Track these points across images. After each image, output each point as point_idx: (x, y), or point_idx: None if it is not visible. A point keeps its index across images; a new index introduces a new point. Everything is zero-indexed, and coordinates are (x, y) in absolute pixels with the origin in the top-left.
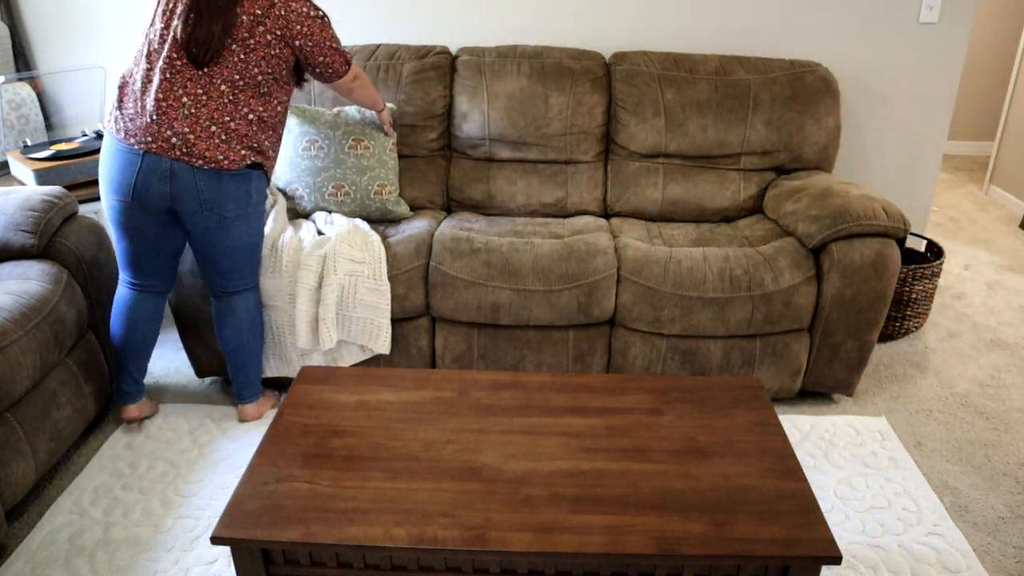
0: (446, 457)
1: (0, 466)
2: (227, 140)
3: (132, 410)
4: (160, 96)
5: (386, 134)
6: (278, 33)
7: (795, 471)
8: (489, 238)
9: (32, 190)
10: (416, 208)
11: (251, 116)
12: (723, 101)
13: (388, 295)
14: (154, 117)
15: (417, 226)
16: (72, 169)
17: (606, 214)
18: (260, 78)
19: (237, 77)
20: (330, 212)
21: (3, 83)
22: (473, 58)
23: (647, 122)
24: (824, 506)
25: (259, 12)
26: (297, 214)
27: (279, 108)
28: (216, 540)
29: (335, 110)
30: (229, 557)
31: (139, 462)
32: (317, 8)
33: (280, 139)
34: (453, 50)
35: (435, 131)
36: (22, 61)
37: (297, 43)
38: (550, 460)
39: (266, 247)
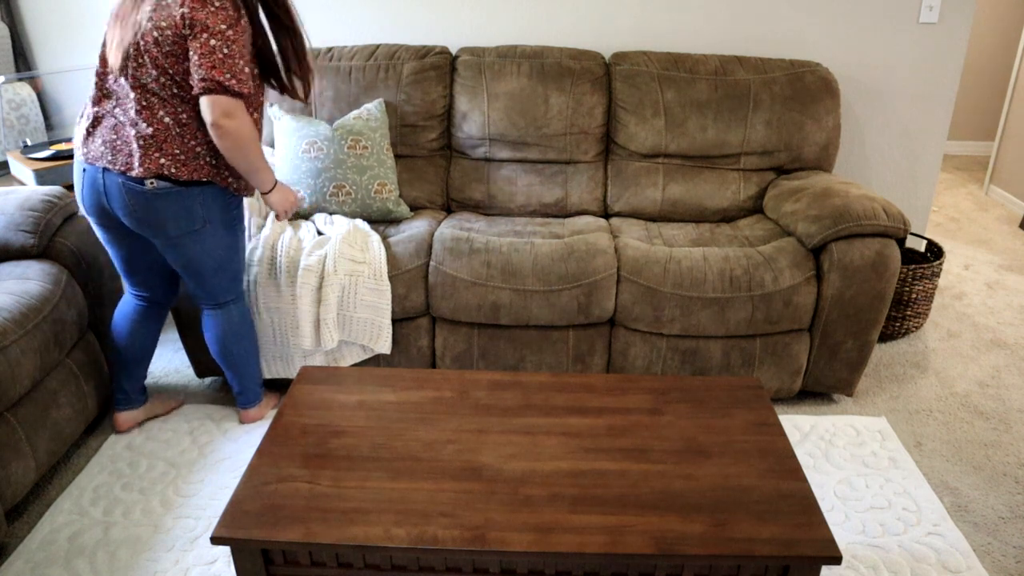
0: (446, 457)
1: (0, 466)
2: (144, 147)
3: (120, 417)
4: (96, 108)
5: (277, 217)
6: (163, 25)
7: (795, 471)
8: (489, 238)
9: (32, 190)
10: (416, 208)
11: (168, 120)
12: (723, 101)
13: (389, 295)
14: (90, 129)
15: (417, 226)
16: (72, 169)
17: (606, 214)
18: (163, 79)
19: (147, 80)
20: (330, 214)
21: (3, 83)
22: (473, 58)
23: (647, 122)
24: (824, 506)
25: (152, 8)
26: (297, 215)
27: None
28: (216, 540)
29: (334, 126)
30: (229, 557)
31: (139, 462)
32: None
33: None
34: (453, 50)
35: (435, 131)
36: (22, 61)
37: (182, 28)
38: (550, 460)
39: (266, 248)
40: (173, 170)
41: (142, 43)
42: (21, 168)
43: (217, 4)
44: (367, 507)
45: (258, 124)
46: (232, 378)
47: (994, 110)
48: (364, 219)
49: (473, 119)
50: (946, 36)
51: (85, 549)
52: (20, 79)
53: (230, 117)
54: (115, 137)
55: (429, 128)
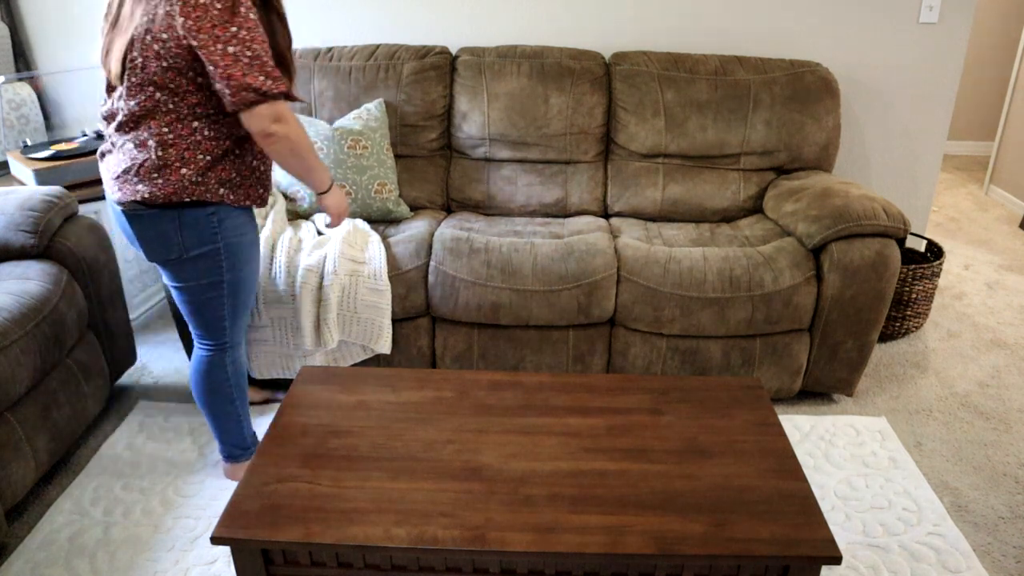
0: (446, 457)
1: (0, 466)
2: (127, 172)
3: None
4: (106, 126)
5: (328, 225)
6: (164, 37)
7: (795, 471)
8: (489, 238)
9: (32, 190)
10: (416, 208)
11: (151, 143)
12: (723, 101)
13: (389, 295)
14: (104, 152)
15: (417, 226)
16: (72, 169)
17: (606, 214)
18: (158, 95)
19: (131, 99)
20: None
21: (3, 83)
22: (473, 58)
23: (647, 122)
24: (824, 506)
25: (147, 18)
26: (297, 215)
27: (202, 129)
28: (216, 540)
29: (334, 126)
30: (229, 557)
31: (139, 462)
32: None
33: (241, 164)
34: (453, 50)
35: (435, 131)
36: (22, 61)
37: (185, 39)
38: (550, 460)
39: (266, 248)
40: (147, 194)
41: (140, 58)
42: (21, 168)
43: (219, 7)
44: (367, 507)
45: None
46: (210, 426)
47: (994, 110)
48: (364, 219)
49: (473, 119)
50: (946, 36)
51: (85, 549)
52: (20, 79)
53: (281, 121)
54: (112, 162)
55: (429, 128)
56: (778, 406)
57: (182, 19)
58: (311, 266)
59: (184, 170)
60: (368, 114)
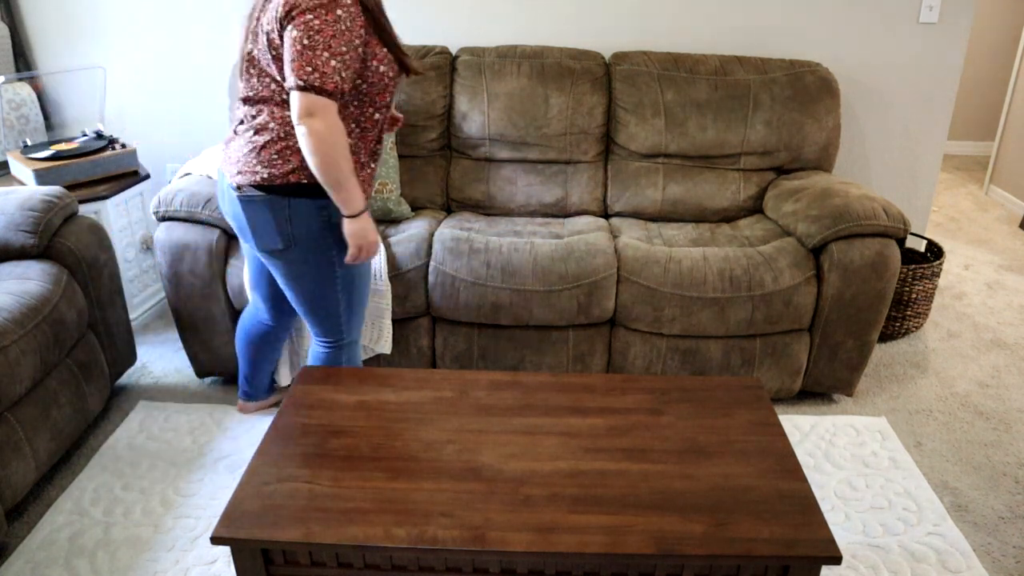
0: (446, 457)
1: (0, 466)
2: (248, 154)
3: (240, 404)
4: (234, 113)
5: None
6: (274, 27)
7: (795, 471)
8: (489, 238)
9: (32, 190)
10: (416, 208)
11: (272, 125)
12: (723, 101)
13: (389, 295)
14: (232, 136)
15: (417, 226)
16: (72, 169)
17: (606, 214)
18: (272, 83)
19: (252, 85)
20: None
21: (3, 83)
22: (473, 58)
23: (647, 122)
24: (824, 506)
25: (259, 15)
26: None
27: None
28: (216, 540)
29: None
30: (229, 557)
31: (139, 462)
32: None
33: (355, 162)
34: (453, 50)
35: (435, 131)
36: (22, 61)
37: (283, 10)
38: (550, 460)
39: None
40: (266, 175)
41: (256, 50)
42: (21, 168)
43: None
44: (367, 507)
45: (364, 134)
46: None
47: (994, 110)
48: None
49: (473, 119)
50: (946, 36)
51: (85, 549)
52: (20, 79)
53: (311, 116)
54: (231, 145)
55: (429, 128)
56: (778, 406)
57: (286, 4)
58: None
59: (297, 159)
60: None
